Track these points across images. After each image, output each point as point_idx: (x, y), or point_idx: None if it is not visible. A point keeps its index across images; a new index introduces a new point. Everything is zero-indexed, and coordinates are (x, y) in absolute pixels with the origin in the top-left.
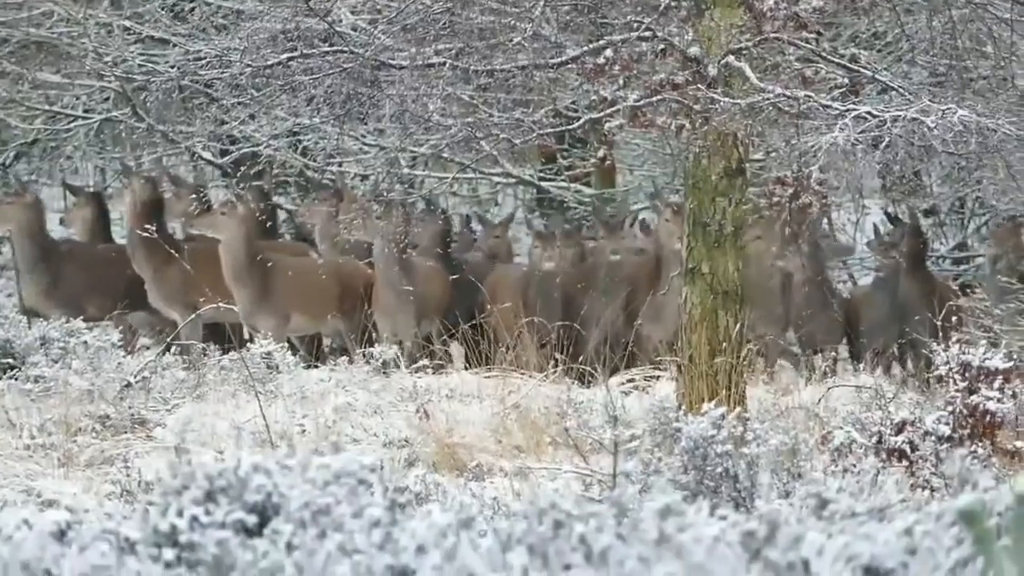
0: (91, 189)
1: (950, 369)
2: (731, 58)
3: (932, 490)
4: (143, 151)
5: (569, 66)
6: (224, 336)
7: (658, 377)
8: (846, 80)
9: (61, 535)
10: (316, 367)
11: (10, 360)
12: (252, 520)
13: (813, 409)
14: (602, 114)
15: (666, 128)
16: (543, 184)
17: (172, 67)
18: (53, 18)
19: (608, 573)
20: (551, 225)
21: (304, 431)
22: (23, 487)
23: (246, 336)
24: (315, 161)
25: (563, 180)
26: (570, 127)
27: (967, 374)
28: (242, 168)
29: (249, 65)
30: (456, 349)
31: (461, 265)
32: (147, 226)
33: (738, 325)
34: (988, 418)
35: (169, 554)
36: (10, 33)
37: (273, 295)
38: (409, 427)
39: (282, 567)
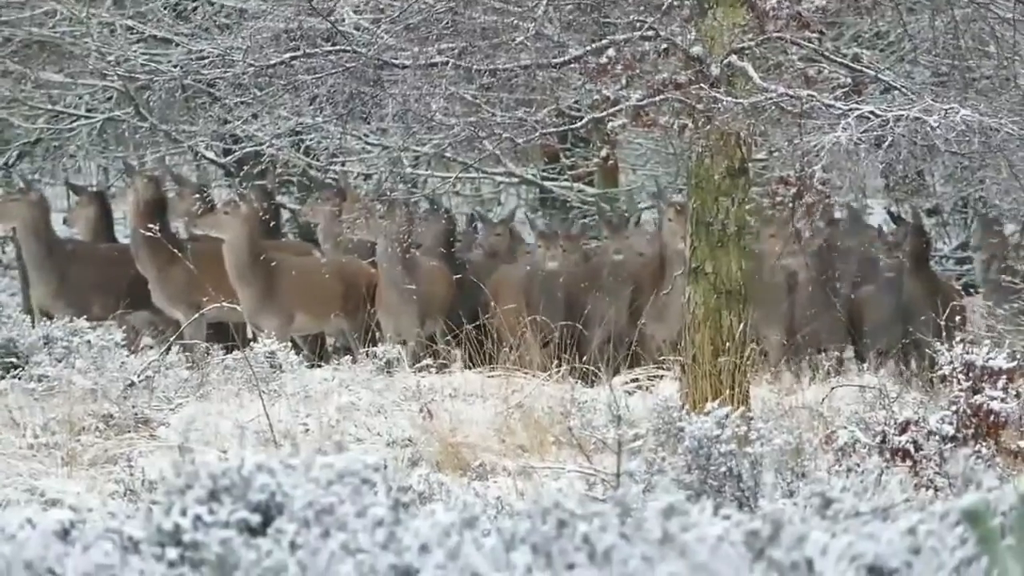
0: (94, 188)
1: (954, 369)
2: (734, 57)
3: (936, 490)
4: (146, 150)
5: (572, 65)
6: (228, 335)
7: (662, 376)
8: (849, 79)
9: (65, 534)
10: (320, 366)
11: (14, 359)
12: (256, 519)
13: (817, 409)
14: (605, 113)
15: (669, 128)
16: (546, 184)
17: (175, 66)
18: (56, 17)
19: (611, 572)
20: (553, 224)
21: (308, 430)
22: (27, 486)
23: (249, 335)
24: (318, 160)
25: (566, 180)
26: (573, 127)
27: (971, 374)
28: (245, 167)
29: (252, 64)
30: (457, 351)
31: (465, 264)
32: (150, 225)
33: (741, 324)
34: (992, 418)
35: (173, 553)
36: (13, 32)
37: (277, 294)
38: (413, 426)
39: (285, 566)
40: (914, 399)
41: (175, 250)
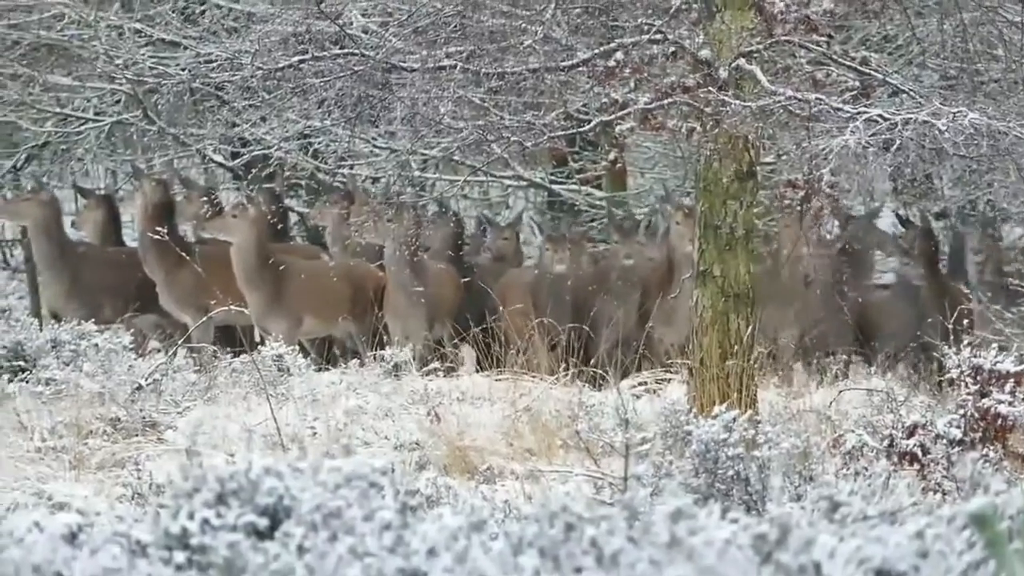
0: (102, 192)
1: (961, 372)
2: (742, 61)
3: (944, 493)
4: (154, 154)
5: (580, 69)
6: (235, 339)
7: (669, 380)
8: (857, 83)
9: (72, 538)
10: (327, 370)
11: (22, 362)
12: (263, 523)
13: (824, 412)
14: (613, 117)
15: (677, 131)
16: (554, 187)
17: (183, 70)
18: (64, 21)
19: None
20: (560, 228)
21: (315, 434)
22: (34, 490)
23: (257, 339)
24: (326, 164)
25: (574, 183)
26: (581, 130)
27: (979, 377)
28: (253, 171)
29: (260, 68)
30: (468, 352)
31: (473, 268)
32: (158, 229)
33: (749, 328)
34: (1000, 421)
35: (180, 557)
36: (21, 35)
37: (285, 298)
38: (420, 430)
39: (293, 570)
40: (922, 403)
41: (183, 253)
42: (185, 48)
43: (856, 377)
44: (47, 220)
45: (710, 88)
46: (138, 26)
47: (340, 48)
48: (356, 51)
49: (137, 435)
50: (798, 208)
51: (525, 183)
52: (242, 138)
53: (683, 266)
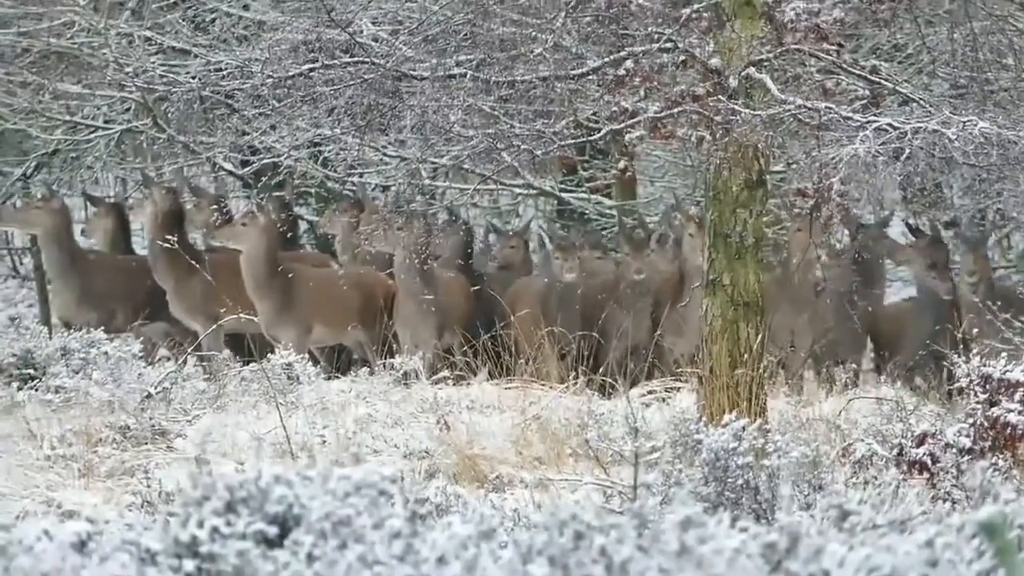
0: (112, 200)
1: (971, 381)
2: (752, 70)
3: (953, 502)
4: (164, 162)
5: (590, 77)
6: (245, 347)
7: (679, 389)
8: (867, 92)
9: (82, 546)
10: (337, 378)
11: (31, 371)
12: (273, 531)
13: (834, 421)
14: (623, 125)
15: (687, 140)
16: (564, 195)
17: (193, 78)
18: (74, 28)
19: None
20: (571, 236)
21: (325, 442)
22: (44, 498)
23: (267, 347)
24: (336, 172)
25: (584, 192)
26: (591, 138)
27: (988, 386)
28: (263, 179)
29: (270, 76)
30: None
31: (483, 276)
32: (168, 237)
33: (759, 337)
34: (1009, 430)
35: (189, 565)
36: (31, 43)
37: (295, 306)
38: (430, 438)
39: None
40: (931, 411)
41: (193, 261)
42: (195, 56)
43: (866, 386)
44: (57, 228)
45: (720, 97)
46: (148, 34)
47: (350, 56)
48: (366, 59)
49: (147, 443)
50: (808, 217)
51: (535, 191)
52: (252, 146)
53: (694, 277)
